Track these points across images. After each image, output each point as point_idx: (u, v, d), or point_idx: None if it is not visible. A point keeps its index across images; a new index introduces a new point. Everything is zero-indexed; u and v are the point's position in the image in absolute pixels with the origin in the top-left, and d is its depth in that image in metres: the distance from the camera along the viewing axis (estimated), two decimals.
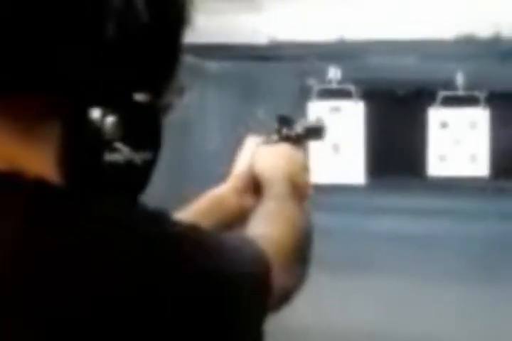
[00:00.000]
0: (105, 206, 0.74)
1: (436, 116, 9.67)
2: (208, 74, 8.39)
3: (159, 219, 0.76)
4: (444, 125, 9.52)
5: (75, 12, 0.72)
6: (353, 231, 9.47)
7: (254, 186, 1.24)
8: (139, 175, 0.77)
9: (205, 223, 1.17)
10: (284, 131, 1.32)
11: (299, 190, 1.19)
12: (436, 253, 8.04)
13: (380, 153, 14.26)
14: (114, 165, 0.74)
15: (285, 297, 0.94)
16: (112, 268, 0.70)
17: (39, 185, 0.73)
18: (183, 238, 0.76)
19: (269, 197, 1.14)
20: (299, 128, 1.32)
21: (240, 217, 1.22)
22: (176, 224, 0.78)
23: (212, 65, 8.32)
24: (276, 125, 1.32)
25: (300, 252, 1.00)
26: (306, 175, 1.25)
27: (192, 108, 7.55)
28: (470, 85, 9.23)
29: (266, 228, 0.98)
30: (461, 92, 9.16)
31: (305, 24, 6.01)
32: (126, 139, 0.74)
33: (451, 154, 9.43)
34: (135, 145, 0.75)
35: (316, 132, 1.36)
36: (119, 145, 0.74)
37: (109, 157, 0.73)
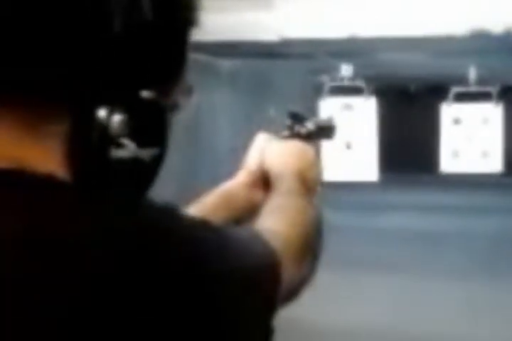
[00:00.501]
0: (113, 201, 0.74)
1: (448, 112, 9.65)
2: (219, 72, 8.39)
3: (168, 214, 0.76)
4: (456, 121, 9.51)
5: (81, 9, 0.72)
6: (366, 228, 9.47)
7: (264, 181, 1.24)
8: (146, 171, 0.76)
9: (215, 218, 1.16)
10: (296, 127, 1.32)
11: (308, 185, 1.18)
12: (449, 250, 8.03)
13: (393, 150, 14.26)
14: (120, 161, 0.73)
15: (293, 292, 0.93)
16: (119, 266, 0.69)
17: (46, 182, 0.72)
18: (192, 232, 0.75)
19: (278, 192, 1.13)
20: (310, 125, 1.32)
21: (249, 212, 1.21)
22: (185, 218, 0.78)
23: (223, 63, 8.33)
24: (287, 121, 1.32)
25: (309, 247, 0.99)
26: (315, 171, 1.24)
27: (203, 106, 7.56)
28: (482, 81, 9.22)
29: (274, 222, 0.97)
30: (473, 88, 9.14)
31: (316, 21, 6.00)
32: (132, 135, 0.74)
33: (464, 150, 9.42)
34: (141, 141, 0.74)
35: (326, 131, 1.36)
36: (125, 141, 0.73)
37: (116, 153, 0.73)
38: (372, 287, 6.30)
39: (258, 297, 0.78)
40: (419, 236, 8.87)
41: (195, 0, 0.80)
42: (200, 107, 7.29)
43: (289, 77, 10.89)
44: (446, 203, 11.86)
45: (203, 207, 1.20)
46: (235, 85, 9.17)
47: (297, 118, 1.32)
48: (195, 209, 1.17)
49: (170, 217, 0.76)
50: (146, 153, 0.75)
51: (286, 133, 1.30)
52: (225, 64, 8.46)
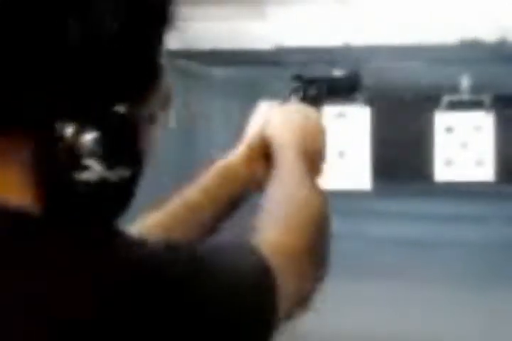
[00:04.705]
0: (85, 234, 0.69)
1: (441, 120, 9.66)
2: (212, 80, 8.39)
3: (142, 245, 0.72)
4: (449, 129, 9.51)
5: (37, 21, 0.67)
6: (359, 237, 9.47)
7: (265, 153, 1.18)
8: (117, 194, 0.70)
9: (216, 196, 1.12)
10: (301, 92, 1.25)
11: (312, 158, 1.11)
12: (442, 258, 8.03)
13: (386, 158, 14.27)
14: (86, 185, 0.67)
15: (302, 302, 0.90)
16: (99, 307, 0.66)
17: (14, 215, 0.68)
18: (169, 261, 0.71)
19: (279, 177, 1.07)
20: (336, 73, 1.26)
21: (251, 186, 1.16)
22: (161, 248, 0.73)
23: (217, 72, 8.33)
24: (293, 84, 1.26)
25: (315, 253, 0.94)
26: (320, 140, 1.16)
27: (197, 115, 7.56)
28: (475, 89, 9.24)
29: (276, 231, 0.90)
30: (466, 96, 9.15)
31: (309, 30, 6.01)
32: (98, 155, 0.68)
33: (457, 159, 9.42)
34: (108, 161, 0.68)
35: (348, 84, 1.28)
36: (90, 162, 0.67)
37: (81, 176, 0.67)
38: (364, 294, 6.30)
39: (250, 319, 0.76)
40: (413, 244, 8.87)
41: (168, 10, 0.75)
42: (194, 116, 7.29)
43: (283, 85, 10.87)
44: (439, 211, 11.87)
45: (202, 186, 1.14)
46: (228, 94, 9.17)
47: (303, 80, 1.26)
48: (194, 189, 1.13)
49: (144, 247, 0.72)
50: (115, 174, 0.69)
51: (291, 97, 1.24)
52: (219, 72, 8.46)
